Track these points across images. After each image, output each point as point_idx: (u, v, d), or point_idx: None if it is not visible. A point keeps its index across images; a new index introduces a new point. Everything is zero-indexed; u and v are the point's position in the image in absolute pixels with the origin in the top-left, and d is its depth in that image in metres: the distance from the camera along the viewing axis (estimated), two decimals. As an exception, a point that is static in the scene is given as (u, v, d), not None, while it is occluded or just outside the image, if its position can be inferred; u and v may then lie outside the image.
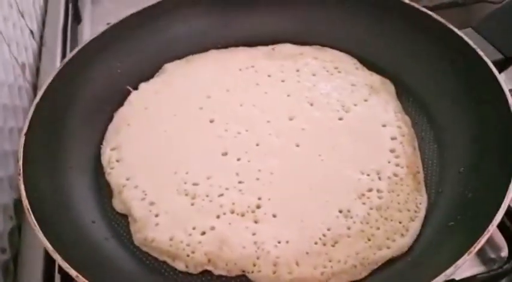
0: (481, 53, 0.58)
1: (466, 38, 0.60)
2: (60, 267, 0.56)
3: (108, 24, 0.70)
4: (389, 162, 0.57)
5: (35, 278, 0.58)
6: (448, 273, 0.41)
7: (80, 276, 0.42)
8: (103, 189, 0.59)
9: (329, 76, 0.68)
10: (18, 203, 0.67)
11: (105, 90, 0.67)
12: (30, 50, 0.87)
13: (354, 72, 0.68)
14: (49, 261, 0.59)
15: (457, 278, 0.51)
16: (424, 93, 0.64)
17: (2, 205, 0.63)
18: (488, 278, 0.52)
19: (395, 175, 0.56)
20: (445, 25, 0.63)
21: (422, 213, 0.53)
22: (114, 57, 0.69)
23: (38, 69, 0.88)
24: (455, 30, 0.62)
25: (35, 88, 0.84)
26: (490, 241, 0.57)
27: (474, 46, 0.59)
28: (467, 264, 0.54)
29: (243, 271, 0.50)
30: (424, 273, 0.44)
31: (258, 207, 0.54)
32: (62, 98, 0.63)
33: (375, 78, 0.67)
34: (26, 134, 0.54)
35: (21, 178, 0.51)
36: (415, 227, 0.52)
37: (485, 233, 0.43)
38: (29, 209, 0.48)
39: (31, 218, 0.47)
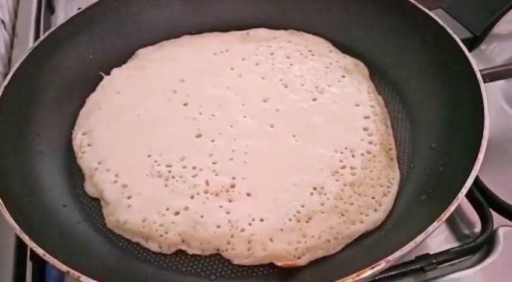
0: (450, 31, 0.59)
1: (436, 18, 0.61)
2: (31, 254, 0.55)
3: (79, 9, 0.69)
4: (362, 140, 0.57)
5: (6, 265, 0.57)
6: (418, 240, 0.41)
7: (47, 255, 0.41)
8: (75, 174, 0.58)
9: (303, 59, 0.68)
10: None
11: (77, 75, 0.66)
12: (2, 40, 0.85)
13: (328, 55, 0.69)
14: (20, 248, 0.58)
15: (431, 253, 0.52)
16: (396, 74, 0.65)
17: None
18: (461, 251, 0.52)
19: (368, 152, 0.56)
20: (415, 6, 0.64)
21: (394, 188, 0.53)
22: (86, 43, 0.69)
23: (9, 60, 0.86)
24: (426, 10, 0.63)
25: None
26: (464, 218, 0.57)
27: (444, 25, 0.60)
28: (443, 240, 0.55)
29: (218, 250, 0.50)
30: (396, 244, 0.44)
31: (232, 186, 0.54)
32: (31, 83, 0.61)
33: (348, 60, 0.67)
34: (-6, 117, 0.53)
35: (-13, 161, 0.49)
36: (388, 201, 0.52)
37: (454, 201, 0.43)
38: (-3, 192, 0.47)
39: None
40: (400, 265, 0.49)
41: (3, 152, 0.52)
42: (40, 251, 0.42)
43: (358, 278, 0.39)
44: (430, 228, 0.42)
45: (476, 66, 0.56)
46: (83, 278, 0.40)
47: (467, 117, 0.54)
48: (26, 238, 0.43)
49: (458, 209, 0.57)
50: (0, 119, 0.55)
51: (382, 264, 0.40)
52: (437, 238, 0.55)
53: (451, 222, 0.57)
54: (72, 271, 0.40)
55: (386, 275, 0.49)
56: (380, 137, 0.57)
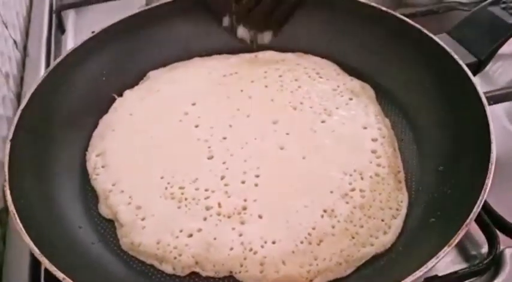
0: (455, 56, 0.60)
1: (441, 42, 0.63)
2: (46, 276, 0.56)
3: (92, 32, 0.71)
4: (370, 162, 0.59)
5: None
6: (430, 265, 0.42)
7: (67, 279, 0.42)
8: (89, 195, 0.59)
9: (311, 81, 0.70)
10: (2, 211, 0.67)
11: (90, 98, 0.68)
12: (14, 60, 0.87)
13: (335, 78, 0.70)
14: (35, 269, 0.59)
15: (439, 274, 0.52)
16: (402, 97, 0.67)
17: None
18: (469, 273, 0.53)
19: (377, 175, 0.57)
20: (420, 31, 0.65)
21: (403, 211, 0.54)
22: (98, 65, 0.70)
23: (22, 80, 0.88)
24: (431, 35, 0.64)
25: (19, 98, 0.84)
26: (471, 238, 0.58)
27: (449, 50, 0.61)
28: (450, 261, 0.56)
29: (231, 272, 0.51)
30: (407, 267, 0.45)
31: (244, 208, 0.55)
32: (46, 105, 0.63)
33: (355, 83, 0.69)
34: (11, 140, 0.55)
35: (7, 184, 0.51)
36: (397, 224, 0.53)
37: (464, 226, 0.44)
38: (15, 215, 0.48)
39: (17, 223, 0.46)
40: None
41: (21, 174, 0.54)
42: (60, 275, 0.43)
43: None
44: (441, 254, 0.43)
45: (481, 89, 0.57)
46: (103, 302, 0.41)
47: (474, 141, 0.55)
48: (46, 262, 0.44)
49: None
50: (17, 142, 0.56)
51: (395, 289, 0.41)
52: (444, 259, 0.55)
53: (458, 243, 0.57)
54: (92, 295, 0.41)
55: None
56: (388, 160, 0.59)
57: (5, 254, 0.62)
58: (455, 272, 0.53)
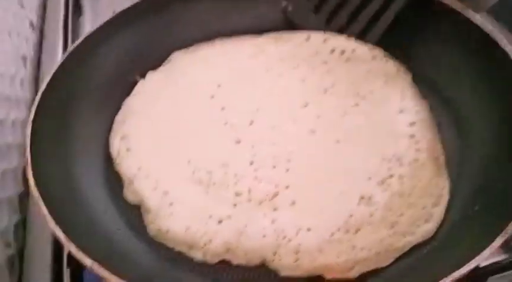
0: (501, 42, 0.56)
1: (477, 21, 0.58)
2: (68, 262, 0.55)
3: (114, 12, 0.68)
4: (409, 147, 0.55)
5: (43, 273, 0.56)
6: (485, 254, 0.39)
7: (96, 264, 0.40)
8: (114, 180, 0.57)
9: (342, 63, 0.66)
10: (23, 196, 0.65)
11: (111, 80, 0.65)
12: (31, 42, 0.85)
13: (368, 59, 0.66)
14: (57, 255, 0.57)
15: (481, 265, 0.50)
16: (440, 79, 0.63)
17: (7, 199, 0.61)
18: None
19: (416, 160, 0.54)
20: (454, 9, 0.61)
21: (445, 198, 0.51)
22: (120, 46, 0.67)
23: (38, 62, 0.86)
24: (466, 12, 0.60)
25: (36, 81, 0.82)
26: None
27: (487, 29, 0.57)
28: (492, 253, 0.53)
29: (263, 260, 0.48)
30: (454, 257, 0.43)
31: (276, 195, 0.52)
32: (68, 87, 0.60)
33: (390, 65, 0.65)
34: (33, 122, 0.52)
35: (29, 168, 0.48)
36: (439, 212, 0.50)
37: (517, 214, 0.41)
38: (40, 199, 0.46)
39: (43, 209, 0.44)
40: None
41: (43, 158, 0.51)
42: (88, 262, 0.41)
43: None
44: (496, 242, 0.40)
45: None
46: (133, 290, 0.39)
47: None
48: (73, 248, 0.42)
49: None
50: (39, 125, 0.54)
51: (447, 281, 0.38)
52: None
53: None
54: (122, 282, 0.39)
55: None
56: (427, 144, 0.55)
57: (26, 240, 0.61)
58: (498, 262, 0.51)
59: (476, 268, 0.48)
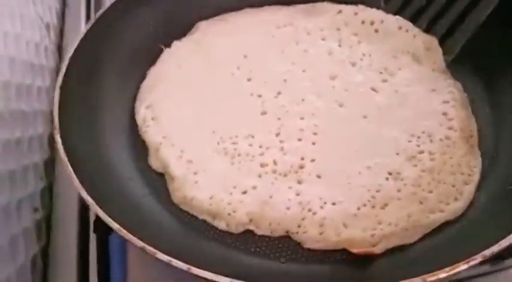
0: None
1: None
2: (95, 227, 0.55)
3: (140, -21, 0.67)
4: (441, 125, 0.54)
5: (70, 238, 0.57)
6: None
7: (122, 229, 0.40)
8: (139, 147, 0.57)
9: (371, 37, 0.64)
10: (49, 162, 0.66)
11: (138, 48, 0.64)
12: (54, 10, 0.85)
13: (397, 33, 0.64)
14: (84, 221, 0.58)
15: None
16: (476, 54, 0.60)
17: (33, 165, 0.62)
18: None
19: (448, 138, 0.53)
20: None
21: (476, 177, 0.50)
22: (146, 14, 0.66)
23: (61, 31, 0.86)
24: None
25: (60, 50, 0.82)
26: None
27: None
28: None
29: (287, 232, 0.48)
30: (484, 236, 0.41)
31: (301, 167, 0.52)
32: (94, 54, 0.60)
33: (419, 41, 0.62)
34: (61, 88, 0.52)
35: (57, 132, 0.49)
36: (470, 190, 0.49)
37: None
38: (68, 164, 0.46)
39: (69, 170, 0.45)
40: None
41: (71, 123, 0.51)
42: (115, 226, 0.41)
43: (452, 272, 0.36)
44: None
45: None
46: (159, 255, 0.39)
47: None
48: (100, 212, 0.42)
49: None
50: (66, 90, 0.53)
51: (478, 259, 0.37)
52: None
53: None
54: (148, 247, 0.39)
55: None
56: (460, 123, 0.54)
57: (53, 206, 0.62)
58: None
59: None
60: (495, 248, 0.37)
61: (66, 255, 0.56)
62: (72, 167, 0.46)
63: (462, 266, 0.37)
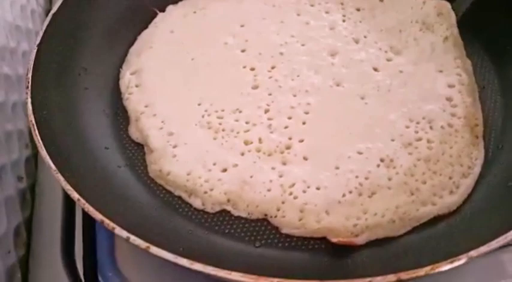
0: None
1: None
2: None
3: None
4: (444, 111, 0.49)
5: (54, 208, 0.55)
6: (510, 235, 0.34)
7: (82, 200, 0.38)
8: (120, 115, 0.54)
9: (377, 7, 0.59)
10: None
11: (129, 10, 0.61)
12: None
13: (403, 3, 0.59)
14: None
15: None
16: (491, 33, 0.55)
17: (17, 131, 0.60)
18: None
19: (450, 126, 0.48)
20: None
21: (477, 170, 0.46)
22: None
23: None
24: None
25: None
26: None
27: None
28: None
29: (265, 215, 0.45)
30: (476, 234, 0.38)
31: (288, 147, 0.48)
32: (81, 13, 0.57)
33: (430, 4, 0.57)
34: (38, 45, 0.49)
35: (28, 92, 0.46)
36: (468, 184, 0.45)
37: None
38: (34, 125, 0.43)
39: (35, 133, 0.42)
40: None
41: (46, 85, 0.49)
42: (75, 195, 0.38)
43: (432, 272, 0.33)
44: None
45: None
46: (118, 229, 0.36)
47: None
48: (61, 179, 0.39)
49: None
50: (45, 49, 0.51)
51: (463, 260, 0.33)
52: None
53: None
54: (107, 221, 0.37)
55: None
56: (465, 110, 0.49)
57: (37, 175, 0.60)
58: None
59: None
60: (483, 249, 0.33)
61: (50, 225, 0.54)
62: (38, 130, 0.43)
63: (445, 266, 0.33)
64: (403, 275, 0.32)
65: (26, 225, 0.55)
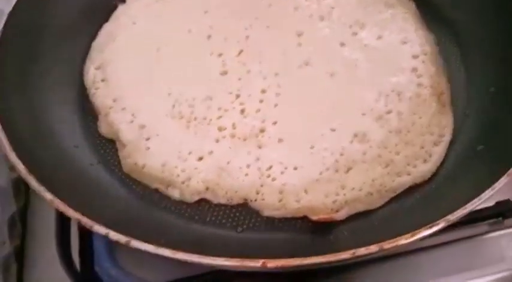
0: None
1: None
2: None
3: None
4: (410, 81, 0.50)
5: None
6: (484, 196, 0.35)
7: (57, 200, 0.37)
8: (88, 112, 0.52)
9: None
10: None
11: (89, 4, 0.59)
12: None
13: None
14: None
15: None
16: (447, 8, 0.56)
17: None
18: None
19: (418, 96, 0.49)
20: None
21: (447, 138, 0.47)
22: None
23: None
24: None
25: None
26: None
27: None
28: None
29: (245, 199, 0.45)
30: (451, 199, 0.39)
31: (262, 131, 0.48)
32: (39, 9, 0.55)
33: None
34: (-5, 43, 0.47)
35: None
36: (439, 152, 0.46)
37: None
38: (1, 130, 0.42)
39: (2, 136, 0.40)
40: (477, 211, 0.43)
41: (8, 89, 0.47)
42: (48, 196, 0.37)
43: (412, 239, 0.33)
44: (497, 184, 0.36)
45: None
46: (96, 227, 0.36)
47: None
48: (33, 181, 0.38)
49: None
50: (4, 49, 0.49)
51: (440, 224, 0.34)
52: None
53: None
54: (84, 219, 0.36)
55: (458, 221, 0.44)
56: (431, 79, 0.50)
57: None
58: None
59: (507, 201, 0.46)
60: (460, 212, 0.34)
61: (45, 215, 0.52)
62: (7, 134, 0.42)
63: (424, 232, 0.34)
64: (386, 245, 0.33)
65: (21, 216, 0.55)
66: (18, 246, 0.53)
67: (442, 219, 0.34)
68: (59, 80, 0.53)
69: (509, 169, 0.37)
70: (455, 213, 0.34)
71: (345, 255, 0.33)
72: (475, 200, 0.35)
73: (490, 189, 0.35)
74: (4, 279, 0.49)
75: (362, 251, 0.33)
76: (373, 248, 0.33)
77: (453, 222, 0.35)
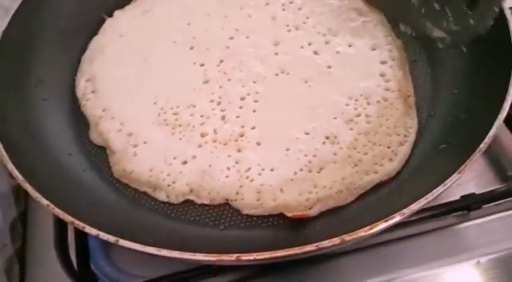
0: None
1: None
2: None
3: None
4: (378, 86, 0.54)
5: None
6: (436, 192, 0.39)
7: (51, 205, 0.40)
8: (80, 122, 0.56)
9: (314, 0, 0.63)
10: None
11: (78, 18, 0.63)
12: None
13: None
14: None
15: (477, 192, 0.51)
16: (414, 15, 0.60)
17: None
18: (507, 192, 0.51)
19: (385, 99, 0.53)
20: None
21: (412, 137, 0.51)
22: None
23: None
24: None
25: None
26: (508, 159, 0.55)
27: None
28: (488, 181, 0.54)
29: (227, 199, 0.49)
30: (412, 195, 0.42)
31: (242, 135, 0.52)
32: (31, 26, 0.59)
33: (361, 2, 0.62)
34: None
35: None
36: (404, 151, 0.50)
37: (476, 151, 0.41)
38: (-2, 140, 0.45)
39: (1, 147, 0.44)
40: (444, 204, 0.48)
41: (4, 100, 0.51)
42: (44, 202, 0.41)
43: (371, 231, 0.37)
44: (448, 181, 0.39)
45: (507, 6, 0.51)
46: (88, 228, 0.39)
47: (494, 61, 0.50)
48: (29, 188, 0.42)
49: (504, 149, 0.55)
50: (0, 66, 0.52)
51: (396, 218, 0.38)
52: (481, 178, 0.54)
53: (496, 163, 0.55)
54: (76, 222, 0.40)
55: (428, 214, 0.49)
56: (398, 83, 0.54)
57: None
58: (493, 191, 0.51)
59: (472, 195, 0.50)
60: (414, 207, 0.38)
61: (44, 219, 0.55)
62: (3, 144, 0.45)
63: (381, 225, 0.38)
64: (346, 237, 0.37)
65: (21, 220, 0.58)
66: (19, 248, 0.56)
67: (397, 213, 0.38)
68: (52, 92, 0.57)
69: (460, 166, 0.40)
70: (409, 207, 0.38)
71: (309, 247, 0.37)
72: (428, 195, 0.39)
73: (442, 185, 0.39)
74: (8, 279, 0.52)
75: (325, 243, 0.37)
76: (335, 240, 0.37)
77: (409, 215, 0.39)
